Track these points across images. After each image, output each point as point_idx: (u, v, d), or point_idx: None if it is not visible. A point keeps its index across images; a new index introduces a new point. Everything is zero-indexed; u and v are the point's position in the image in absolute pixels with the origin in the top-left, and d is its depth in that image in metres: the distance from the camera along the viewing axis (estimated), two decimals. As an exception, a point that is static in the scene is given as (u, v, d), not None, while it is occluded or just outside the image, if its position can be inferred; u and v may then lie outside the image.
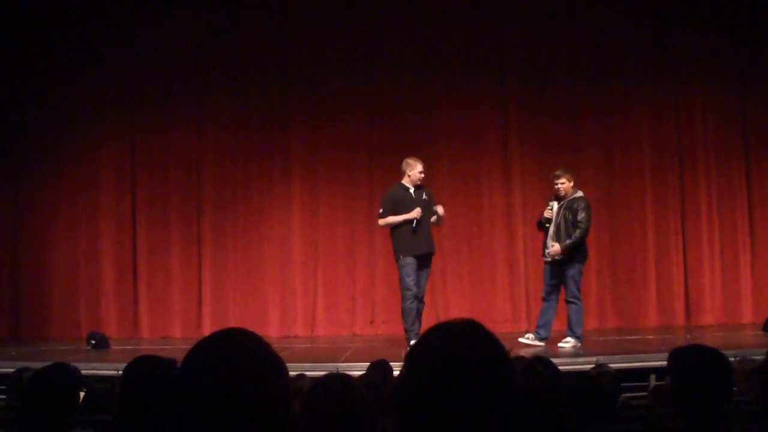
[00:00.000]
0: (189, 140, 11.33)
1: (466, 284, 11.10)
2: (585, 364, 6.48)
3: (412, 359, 1.43)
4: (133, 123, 11.37)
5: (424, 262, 8.42)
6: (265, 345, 1.46)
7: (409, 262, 8.27)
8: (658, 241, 11.09)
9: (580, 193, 8.41)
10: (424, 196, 8.49)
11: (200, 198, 11.27)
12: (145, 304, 11.11)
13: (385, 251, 9.02)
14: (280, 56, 11.40)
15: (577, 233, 8.18)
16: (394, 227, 8.38)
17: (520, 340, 8.32)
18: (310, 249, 11.18)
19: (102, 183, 11.25)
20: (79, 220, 11.24)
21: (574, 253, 8.21)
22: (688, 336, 9.41)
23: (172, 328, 11.02)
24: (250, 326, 1.50)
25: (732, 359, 3.42)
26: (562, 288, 8.36)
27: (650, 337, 9.65)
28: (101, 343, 9.75)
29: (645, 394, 5.84)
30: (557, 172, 8.48)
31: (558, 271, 8.27)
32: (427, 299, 10.22)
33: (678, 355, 2.77)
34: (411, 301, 8.24)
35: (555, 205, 8.35)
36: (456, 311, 10.74)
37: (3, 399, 5.57)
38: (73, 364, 3.43)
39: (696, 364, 2.68)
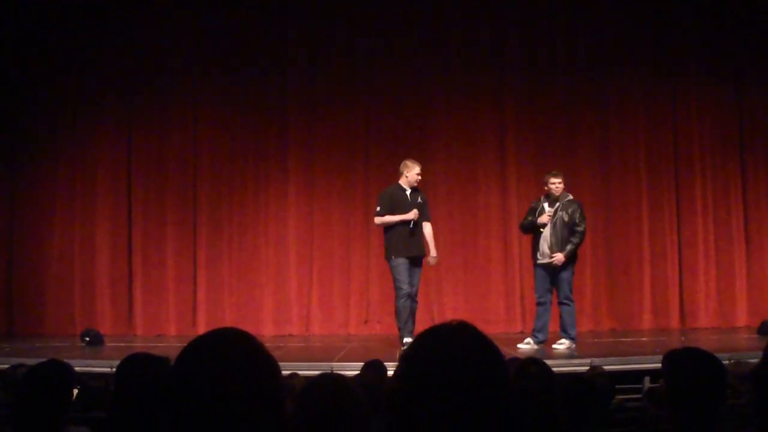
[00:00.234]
0: (185, 139, 11.32)
1: (461, 285, 11.10)
2: (579, 366, 6.48)
3: (406, 361, 1.43)
4: (129, 121, 11.36)
5: (415, 262, 8.44)
6: (258, 344, 1.46)
7: (401, 262, 8.28)
8: (654, 243, 11.10)
9: (570, 196, 8.42)
10: (419, 200, 8.52)
11: (196, 196, 11.27)
12: (139, 301, 11.11)
13: (381, 251, 9.01)
14: (278, 56, 11.40)
15: (577, 238, 8.23)
16: (389, 227, 8.39)
17: (519, 346, 8.30)
18: (306, 248, 11.18)
19: (98, 180, 11.24)
20: (74, 217, 11.22)
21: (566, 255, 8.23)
22: (683, 338, 9.42)
23: (167, 325, 11.02)
24: (245, 324, 1.50)
25: (726, 362, 3.43)
26: (554, 290, 8.38)
27: (645, 339, 9.66)
28: (95, 340, 9.74)
29: (639, 396, 5.84)
30: (555, 171, 8.50)
31: (551, 273, 8.27)
32: (422, 300, 10.22)
33: (672, 358, 2.78)
34: (405, 299, 8.25)
35: (545, 206, 8.34)
36: (451, 312, 10.75)
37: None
38: (67, 361, 3.42)
39: (690, 367, 2.68)
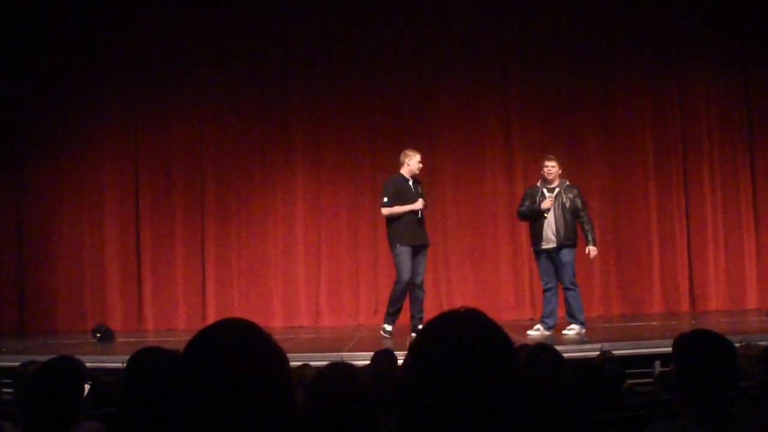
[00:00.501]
0: (191, 132, 11.33)
1: (470, 272, 11.10)
2: (590, 351, 6.48)
3: (415, 349, 1.43)
4: (135, 115, 11.38)
5: (421, 250, 8.46)
6: (265, 334, 1.46)
7: (405, 251, 8.29)
8: (662, 228, 11.07)
9: (567, 181, 8.43)
10: (420, 190, 8.57)
11: (203, 189, 11.28)
12: (149, 296, 11.14)
13: (389, 240, 9.01)
14: (281, 47, 11.38)
15: (589, 222, 8.33)
16: (394, 217, 8.38)
17: (529, 333, 8.31)
18: (314, 239, 11.19)
19: (105, 176, 11.27)
20: (82, 214, 11.25)
21: (570, 239, 8.20)
22: (693, 322, 9.38)
23: (177, 320, 11.05)
24: (255, 317, 1.50)
25: (737, 345, 3.41)
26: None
27: (655, 323, 9.65)
28: (106, 335, 9.77)
29: (650, 380, 5.84)
30: (550, 156, 8.53)
31: (555, 258, 8.24)
32: (430, 288, 10.23)
33: (683, 342, 2.77)
34: (403, 289, 8.32)
35: (545, 191, 8.33)
36: (459, 299, 10.75)
37: (9, 392, 5.58)
38: (78, 357, 3.43)
39: (701, 350, 2.67)
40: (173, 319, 11.07)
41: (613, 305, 10.97)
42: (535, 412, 2.09)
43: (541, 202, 8.30)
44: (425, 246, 8.53)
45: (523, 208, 8.51)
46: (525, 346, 4.31)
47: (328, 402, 2.29)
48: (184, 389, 1.38)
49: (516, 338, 7.39)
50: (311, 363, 5.13)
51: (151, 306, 11.13)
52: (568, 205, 8.22)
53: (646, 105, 11.22)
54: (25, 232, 11.25)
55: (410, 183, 8.51)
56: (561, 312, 8.59)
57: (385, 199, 8.43)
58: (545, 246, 8.29)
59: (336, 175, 11.27)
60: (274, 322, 10.78)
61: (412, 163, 8.50)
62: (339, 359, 4.89)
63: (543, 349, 3.66)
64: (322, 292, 11.13)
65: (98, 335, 9.75)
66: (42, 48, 11.17)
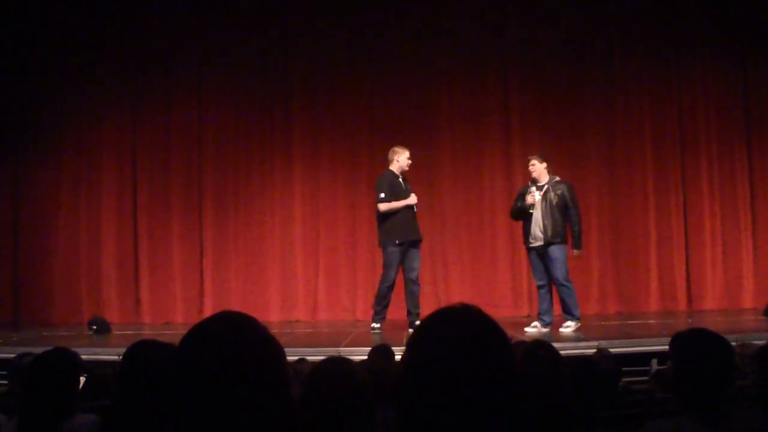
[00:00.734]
0: (190, 125, 11.33)
1: (468, 268, 11.10)
2: (586, 349, 6.48)
3: (412, 345, 1.42)
4: (134, 108, 11.38)
5: (416, 245, 8.47)
6: (262, 327, 1.46)
7: (396, 251, 8.30)
8: (660, 227, 11.08)
9: (557, 178, 8.38)
10: (409, 186, 8.56)
11: (201, 183, 11.28)
12: (146, 289, 11.14)
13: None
14: (281, 41, 11.38)
15: (576, 219, 8.21)
16: (389, 212, 8.36)
17: (526, 330, 8.30)
18: (312, 234, 11.19)
19: (103, 168, 11.27)
20: (80, 205, 11.25)
21: (558, 235, 8.15)
22: (690, 320, 9.40)
23: (174, 313, 11.05)
24: (252, 311, 1.50)
25: (733, 344, 3.41)
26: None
27: (652, 321, 9.65)
28: (102, 328, 9.77)
29: (646, 378, 5.84)
30: (532, 154, 8.51)
31: (545, 256, 8.22)
32: (428, 283, 10.24)
33: (679, 340, 2.76)
34: (389, 287, 8.34)
35: (534, 189, 8.33)
36: (457, 295, 10.74)
37: (4, 384, 5.58)
38: (74, 349, 3.42)
39: (698, 349, 2.67)
40: (170, 313, 11.07)
41: (610, 303, 10.97)
42: (533, 409, 2.09)
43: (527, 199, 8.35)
44: (419, 241, 8.51)
45: (514, 207, 8.56)
46: (522, 342, 4.32)
47: (325, 396, 2.29)
48: (180, 382, 1.38)
49: (513, 335, 7.39)
50: (308, 357, 5.12)
51: (147, 299, 11.12)
52: (555, 202, 8.18)
53: (644, 105, 11.22)
54: (22, 224, 11.24)
55: (401, 180, 8.51)
56: (557, 309, 8.59)
57: (382, 195, 8.40)
58: (533, 244, 8.30)
59: (335, 171, 11.27)
60: (272, 316, 10.78)
61: (401, 159, 8.50)
62: (336, 354, 4.89)
63: (540, 346, 3.66)
64: (319, 286, 11.13)
65: (94, 328, 9.75)
66: (41, 42, 11.17)
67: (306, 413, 2.26)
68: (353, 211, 11.16)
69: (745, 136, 11.22)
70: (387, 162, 8.68)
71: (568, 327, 8.15)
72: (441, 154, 11.08)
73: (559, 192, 8.21)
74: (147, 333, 9.68)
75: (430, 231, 10.95)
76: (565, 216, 8.24)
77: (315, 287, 11.14)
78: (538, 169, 8.34)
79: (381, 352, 5.08)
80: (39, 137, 11.27)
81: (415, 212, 8.46)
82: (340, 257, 11.16)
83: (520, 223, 8.63)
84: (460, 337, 1.37)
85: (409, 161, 8.54)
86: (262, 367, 1.40)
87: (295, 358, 4.94)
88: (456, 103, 11.25)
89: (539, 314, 8.48)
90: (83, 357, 4.67)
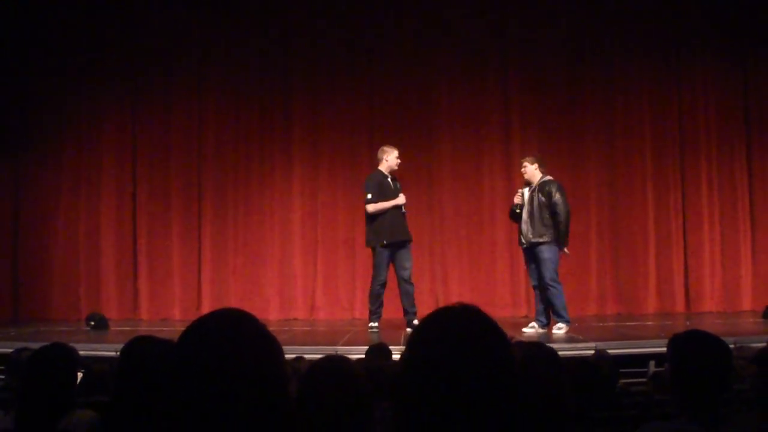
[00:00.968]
0: (190, 124, 11.33)
1: (467, 268, 11.10)
2: (584, 350, 6.48)
3: (412, 344, 1.43)
4: (134, 107, 11.38)
5: (405, 245, 8.43)
6: (260, 324, 1.46)
7: (384, 252, 8.32)
8: (659, 227, 11.08)
9: (549, 177, 8.34)
10: (398, 186, 8.55)
11: (200, 181, 11.28)
12: (144, 286, 11.14)
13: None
14: (281, 41, 11.37)
15: (560, 218, 8.08)
16: (378, 213, 8.35)
17: (524, 330, 8.28)
18: (310, 232, 11.19)
19: (103, 165, 11.27)
20: (79, 202, 11.24)
21: (546, 235, 8.09)
22: (688, 323, 9.40)
23: (172, 310, 11.05)
24: (250, 309, 1.49)
25: (731, 346, 3.41)
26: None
27: (650, 323, 9.66)
28: (101, 324, 9.77)
29: (644, 380, 5.84)
30: (524, 157, 8.51)
31: (536, 255, 8.21)
32: (427, 284, 10.24)
33: (677, 342, 2.76)
34: (381, 286, 8.35)
35: (526, 191, 8.32)
36: (456, 296, 10.74)
37: (2, 379, 5.57)
38: (72, 344, 3.42)
39: (695, 351, 2.67)
40: (168, 309, 11.06)
41: (608, 305, 10.97)
42: (532, 409, 2.09)
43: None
44: (408, 241, 8.48)
45: (511, 208, 8.57)
46: (520, 343, 4.31)
47: (323, 394, 2.29)
48: (178, 378, 1.38)
49: (511, 335, 7.37)
50: (306, 356, 5.13)
51: (146, 296, 11.12)
52: (543, 200, 8.13)
53: (644, 105, 11.23)
54: (21, 220, 11.23)
55: (389, 180, 8.49)
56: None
57: (369, 196, 8.40)
58: (524, 244, 8.29)
59: (334, 171, 11.26)
60: (270, 314, 10.78)
61: (390, 159, 8.49)
62: (334, 352, 4.89)
63: (537, 346, 3.66)
64: (318, 285, 11.13)
65: (92, 323, 9.75)
66: (41, 41, 11.15)
67: (304, 411, 2.26)
68: (352, 210, 11.13)
69: (744, 136, 11.22)
70: (376, 162, 8.68)
71: (560, 329, 8.09)
72: (441, 154, 11.08)
73: (546, 191, 8.17)
74: (145, 329, 9.68)
75: (429, 231, 10.98)
76: (553, 216, 8.19)
77: (313, 286, 11.14)
78: (529, 171, 8.34)
79: (378, 350, 5.07)
80: (39, 137, 11.26)
81: (403, 212, 8.41)
82: (339, 256, 11.15)
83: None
84: (460, 337, 1.37)
85: (398, 160, 8.53)
86: (260, 364, 1.40)
87: (293, 356, 4.94)
88: (456, 103, 11.25)
89: (537, 314, 8.47)
90: (81, 353, 4.66)
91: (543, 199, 8.14)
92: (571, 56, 11.21)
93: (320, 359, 2.51)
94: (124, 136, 11.34)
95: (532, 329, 8.30)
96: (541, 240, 8.09)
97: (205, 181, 11.29)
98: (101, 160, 11.28)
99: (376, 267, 8.43)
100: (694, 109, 11.24)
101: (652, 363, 6.50)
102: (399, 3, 11.26)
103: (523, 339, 6.97)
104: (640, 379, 5.99)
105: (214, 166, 11.30)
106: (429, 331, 1.42)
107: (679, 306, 10.94)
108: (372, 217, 8.40)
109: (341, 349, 6.84)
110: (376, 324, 8.49)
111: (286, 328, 9.41)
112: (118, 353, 2.77)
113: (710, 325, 8.81)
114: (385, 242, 8.28)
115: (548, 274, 8.05)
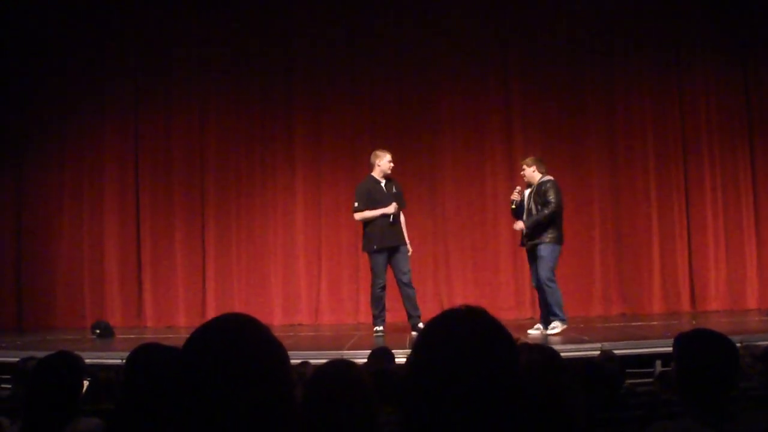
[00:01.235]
0: (192, 129, 11.34)
1: (471, 271, 11.09)
2: (590, 351, 6.46)
3: (418, 347, 1.42)
4: (136, 113, 11.39)
5: (398, 250, 8.39)
6: (265, 329, 1.45)
7: (377, 256, 8.32)
8: (663, 227, 11.07)
9: (549, 177, 8.32)
10: (394, 189, 8.49)
11: (203, 187, 11.29)
12: (149, 293, 11.14)
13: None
14: (283, 45, 11.38)
15: (545, 211, 8.02)
16: (369, 220, 8.34)
17: (529, 332, 8.27)
18: (314, 237, 11.19)
19: (106, 173, 11.28)
20: (83, 209, 11.26)
21: (545, 234, 8.06)
22: (694, 322, 9.38)
23: (177, 317, 11.05)
24: (254, 314, 1.49)
25: (737, 345, 3.40)
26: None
27: (655, 323, 9.64)
28: (106, 332, 9.78)
29: (650, 380, 5.83)
30: (524, 159, 8.49)
31: (533, 255, 8.20)
32: (431, 286, 10.22)
33: (683, 341, 2.75)
34: (381, 289, 8.36)
35: (526, 192, 8.31)
36: (460, 298, 10.73)
37: (8, 388, 5.58)
38: (77, 353, 3.42)
39: (702, 350, 2.66)
40: (173, 316, 11.07)
41: (613, 305, 10.96)
42: (537, 411, 2.08)
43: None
44: (402, 246, 8.43)
45: (511, 208, 8.55)
46: (525, 344, 4.30)
47: (328, 398, 2.28)
48: (183, 385, 1.38)
49: (516, 337, 7.36)
50: (311, 360, 5.12)
51: (150, 303, 11.13)
52: (540, 201, 8.15)
53: (646, 105, 11.22)
54: (25, 227, 11.25)
55: (382, 184, 8.46)
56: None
57: (356, 204, 8.44)
58: (524, 244, 8.28)
59: (336, 173, 11.26)
60: (274, 319, 10.78)
61: (382, 163, 8.47)
62: (339, 357, 4.88)
63: (542, 348, 3.65)
64: (322, 289, 11.13)
65: (97, 332, 9.76)
66: (43, 45, 11.16)
67: (309, 416, 2.26)
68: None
69: (747, 136, 11.21)
70: (395, 162, 8.64)
71: (555, 329, 8.04)
72: (443, 156, 11.08)
73: (543, 191, 8.14)
74: (150, 337, 9.67)
75: (432, 233, 10.97)
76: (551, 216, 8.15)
77: (317, 290, 11.13)
78: (528, 172, 8.32)
79: (381, 354, 5.07)
80: (41, 140, 11.29)
81: (390, 221, 8.32)
82: (343, 260, 11.15)
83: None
84: (466, 339, 1.37)
85: (391, 164, 8.50)
86: (266, 369, 1.40)
87: (298, 361, 4.93)
88: (457, 104, 11.25)
89: (541, 316, 8.46)
90: (87, 361, 4.65)
91: (539, 199, 8.14)
92: (572, 57, 11.21)
93: (325, 364, 2.51)
94: (126, 139, 11.36)
95: (537, 331, 8.29)
96: (540, 240, 8.09)
97: (208, 185, 11.30)
98: (103, 164, 11.30)
99: (373, 271, 8.45)
100: (696, 109, 11.23)
101: (658, 363, 6.49)
102: (400, 4, 11.26)
103: (528, 341, 6.95)
104: (646, 380, 5.98)
105: (216, 170, 11.31)
106: (436, 334, 1.42)
107: (685, 305, 10.93)
108: (365, 224, 8.44)
109: (346, 354, 6.83)
110: (381, 328, 8.48)
111: (290, 333, 9.42)
112: (124, 361, 2.77)
113: (716, 324, 8.79)
114: (375, 247, 8.28)
115: (544, 273, 8.03)
